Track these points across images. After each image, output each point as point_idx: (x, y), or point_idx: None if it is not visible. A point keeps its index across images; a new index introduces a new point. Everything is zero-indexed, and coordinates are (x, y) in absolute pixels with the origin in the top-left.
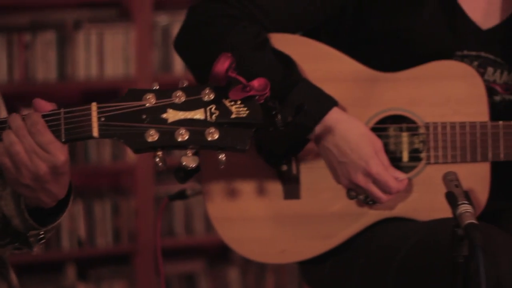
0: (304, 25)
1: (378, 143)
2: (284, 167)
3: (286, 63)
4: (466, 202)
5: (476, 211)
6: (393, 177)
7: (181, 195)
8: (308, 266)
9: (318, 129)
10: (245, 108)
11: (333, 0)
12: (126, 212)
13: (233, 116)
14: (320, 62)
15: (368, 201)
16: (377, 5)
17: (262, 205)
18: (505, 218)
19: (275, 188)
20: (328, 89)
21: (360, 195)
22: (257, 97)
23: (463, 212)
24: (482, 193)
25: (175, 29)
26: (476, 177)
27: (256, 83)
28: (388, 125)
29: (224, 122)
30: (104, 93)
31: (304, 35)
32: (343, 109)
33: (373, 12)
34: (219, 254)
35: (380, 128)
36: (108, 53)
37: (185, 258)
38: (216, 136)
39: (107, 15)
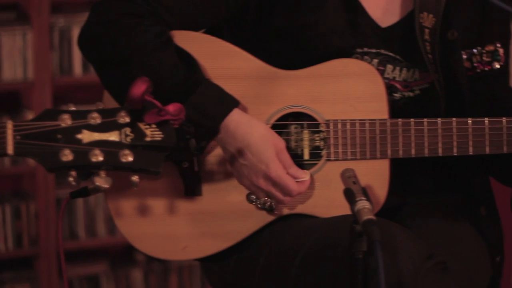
0: (208, 21)
1: (280, 144)
2: (186, 164)
3: (189, 63)
4: (363, 198)
5: (376, 207)
6: (294, 180)
7: (83, 192)
8: (211, 265)
9: (220, 131)
10: (160, 132)
11: None
12: (27, 216)
13: (147, 139)
14: (221, 60)
15: (267, 207)
16: (279, 1)
17: (164, 202)
18: (405, 214)
19: (177, 185)
20: (229, 86)
21: (259, 200)
22: (171, 122)
23: (361, 208)
24: (381, 189)
25: (74, 31)
26: (375, 174)
27: (172, 107)
28: (289, 122)
29: (138, 144)
30: (3, 96)
31: (207, 32)
32: (245, 107)
33: (275, 8)
34: (122, 255)
35: (281, 125)
36: (5, 56)
37: (88, 261)
38: (130, 159)
39: (4, 18)
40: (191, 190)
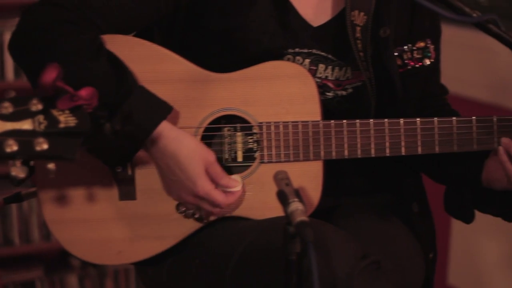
0: (139, 24)
1: (210, 157)
2: (119, 168)
3: (121, 70)
4: (296, 200)
5: (309, 208)
6: (223, 194)
7: (16, 198)
8: (146, 269)
9: (149, 143)
10: (74, 118)
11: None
12: None
13: (61, 125)
14: (153, 63)
15: (197, 218)
16: (209, 3)
17: (98, 206)
18: (339, 214)
19: (111, 189)
20: (161, 90)
21: (189, 211)
22: (85, 106)
23: (294, 210)
24: (315, 191)
25: (5, 36)
26: (309, 176)
27: (84, 92)
28: (222, 125)
29: (52, 131)
30: None
31: (138, 35)
32: (177, 111)
33: (206, 10)
34: (57, 261)
35: (214, 128)
36: None
37: (23, 267)
38: (45, 146)
39: None
40: (125, 194)
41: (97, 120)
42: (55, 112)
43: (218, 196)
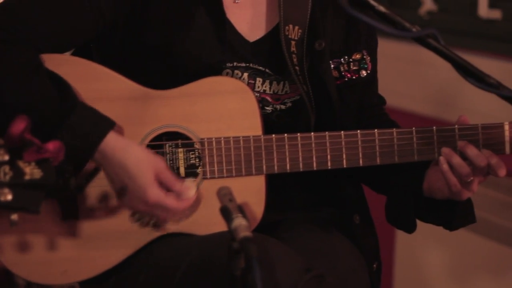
0: (77, 42)
1: (160, 164)
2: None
3: (62, 87)
4: (240, 215)
5: (253, 223)
6: (175, 200)
7: None
8: (91, 287)
9: (97, 156)
10: (39, 170)
11: (105, 16)
12: None
13: (26, 177)
14: (93, 82)
15: (151, 225)
16: (147, 19)
17: (41, 227)
18: (282, 229)
19: (53, 209)
20: (102, 108)
21: (143, 219)
22: (51, 159)
23: (238, 225)
24: (258, 206)
25: None
26: (252, 190)
27: (51, 145)
28: (163, 142)
29: (17, 183)
30: None
31: (76, 53)
32: (119, 129)
33: (144, 27)
34: (1, 279)
35: (156, 145)
36: None
37: None
38: (9, 197)
39: None
40: (69, 214)
41: (62, 173)
42: (21, 164)
43: (170, 202)
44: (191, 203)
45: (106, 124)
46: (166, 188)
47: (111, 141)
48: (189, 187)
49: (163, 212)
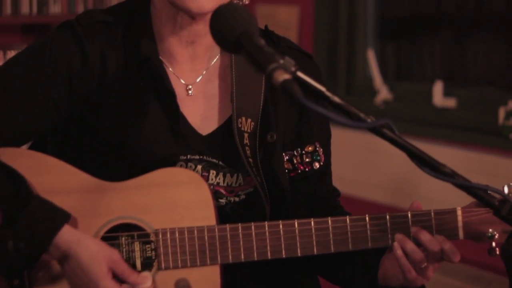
0: (32, 136)
1: (114, 256)
2: (16, 281)
3: (17, 180)
4: None
5: None
6: None
7: None
8: None
9: (51, 249)
10: None
11: (59, 111)
12: None
13: None
14: (47, 175)
15: None
16: (102, 113)
17: None
18: None
19: None
20: (56, 201)
21: None
22: None
23: None
24: None
25: None
26: (207, 281)
27: None
28: (119, 234)
29: None
30: None
31: (31, 145)
32: (73, 221)
33: (98, 120)
34: None
35: (111, 237)
36: None
37: None
38: None
39: None
40: None
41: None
42: None
43: None
44: None
45: (61, 217)
46: (121, 280)
47: (65, 234)
48: (145, 278)
49: None
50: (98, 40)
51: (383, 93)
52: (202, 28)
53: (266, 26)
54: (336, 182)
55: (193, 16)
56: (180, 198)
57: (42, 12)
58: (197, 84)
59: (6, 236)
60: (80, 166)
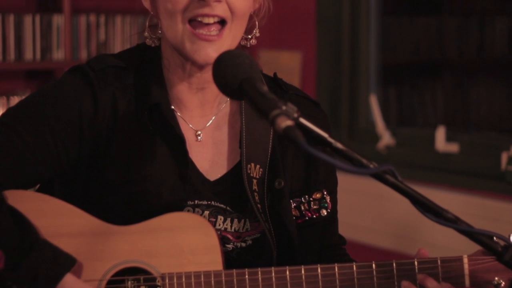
0: (41, 179)
1: None
2: None
3: (23, 225)
4: None
5: None
6: None
7: None
8: None
9: None
10: None
11: (69, 154)
12: None
13: None
14: (53, 218)
15: None
16: (110, 157)
17: None
18: None
19: None
20: (63, 244)
21: None
22: None
23: None
24: None
25: None
26: None
27: None
28: (125, 277)
29: None
30: None
31: (39, 188)
32: (79, 265)
33: (107, 164)
34: None
35: (118, 280)
36: None
37: None
38: None
39: None
40: None
41: (3, 282)
42: None
43: None
44: None
45: (65, 264)
46: None
47: (68, 283)
48: None
49: None
50: (109, 84)
51: (386, 139)
52: (211, 75)
53: (275, 74)
54: (339, 227)
55: (200, 67)
56: (187, 243)
57: (45, 58)
58: (206, 129)
59: (10, 280)
60: (87, 209)
